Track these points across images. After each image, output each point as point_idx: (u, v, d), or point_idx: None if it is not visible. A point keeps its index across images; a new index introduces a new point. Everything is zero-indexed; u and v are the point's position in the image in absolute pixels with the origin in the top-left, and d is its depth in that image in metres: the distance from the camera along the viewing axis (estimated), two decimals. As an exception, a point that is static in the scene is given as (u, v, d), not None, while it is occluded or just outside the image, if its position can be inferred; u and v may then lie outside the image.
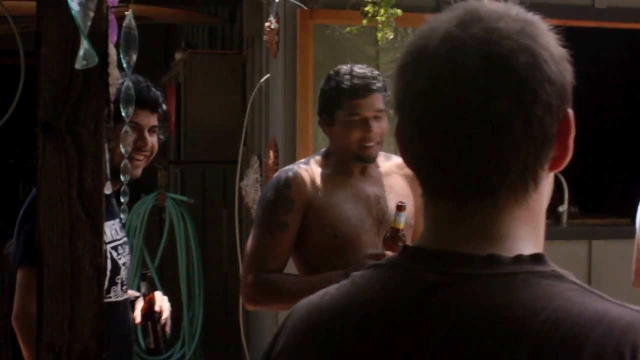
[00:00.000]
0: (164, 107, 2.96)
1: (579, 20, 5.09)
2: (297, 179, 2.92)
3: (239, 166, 5.55)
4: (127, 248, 2.93)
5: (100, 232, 1.78)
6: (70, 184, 1.76)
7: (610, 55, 6.73)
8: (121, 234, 2.89)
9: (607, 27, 5.40)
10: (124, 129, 1.92)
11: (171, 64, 7.65)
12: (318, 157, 3.04)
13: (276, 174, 3.04)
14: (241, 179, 5.65)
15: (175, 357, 5.98)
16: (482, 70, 0.97)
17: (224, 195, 6.30)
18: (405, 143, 1.05)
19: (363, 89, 2.88)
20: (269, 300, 2.98)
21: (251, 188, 5.63)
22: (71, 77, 1.74)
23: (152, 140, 2.89)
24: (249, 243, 2.96)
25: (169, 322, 2.91)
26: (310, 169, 2.97)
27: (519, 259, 0.99)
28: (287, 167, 3.04)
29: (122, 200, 2.21)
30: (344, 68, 2.94)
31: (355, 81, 2.88)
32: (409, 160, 1.06)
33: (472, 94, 0.97)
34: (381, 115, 2.91)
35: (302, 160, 3.11)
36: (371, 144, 2.90)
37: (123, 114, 1.83)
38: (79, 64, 1.62)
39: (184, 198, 6.09)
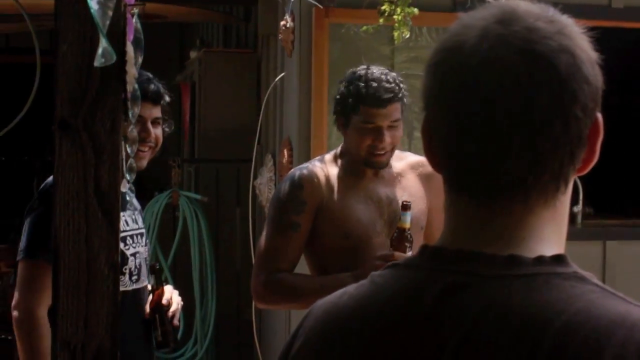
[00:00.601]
0: (167, 99, 2.99)
1: (595, 20, 5.07)
2: (310, 179, 2.91)
3: (253, 165, 5.55)
4: (141, 239, 2.96)
5: (116, 230, 1.79)
6: (86, 181, 1.77)
7: (627, 56, 6.70)
8: (133, 225, 2.91)
9: (625, 26, 5.38)
10: (130, 129, 1.93)
11: (186, 63, 7.66)
12: (333, 155, 3.02)
13: (290, 172, 3.03)
14: (255, 177, 5.65)
15: (188, 355, 5.99)
16: (525, 68, 0.97)
17: (237, 193, 6.30)
18: (438, 139, 1.04)
19: (381, 99, 2.84)
20: (278, 300, 3.00)
21: (265, 187, 5.63)
22: (89, 75, 1.74)
23: (156, 132, 2.94)
24: (261, 241, 2.97)
25: (178, 315, 2.91)
26: (324, 168, 2.96)
27: (541, 259, 0.98)
28: (301, 165, 3.03)
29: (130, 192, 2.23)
30: (364, 72, 2.88)
31: (374, 90, 2.83)
32: (437, 157, 1.05)
33: (514, 91, 0.97)
34: (397, 124, 2.88)
35: (317, 157, 3.09)
36: (382, 152, 2.88)
37: (130, 114, 1.83)
38: (97, 62, 1.63)
39: (198, 196, 6.10)
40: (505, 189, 1.00)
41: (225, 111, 6.50)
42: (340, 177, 2.95)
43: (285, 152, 5.14)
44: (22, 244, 2.77)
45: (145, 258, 2.98)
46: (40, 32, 2.28)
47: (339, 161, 2.99)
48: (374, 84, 2.83)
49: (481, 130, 0.99)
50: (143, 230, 3.01)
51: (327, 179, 2.93)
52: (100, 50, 1.61)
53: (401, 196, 2.96)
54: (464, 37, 1.01)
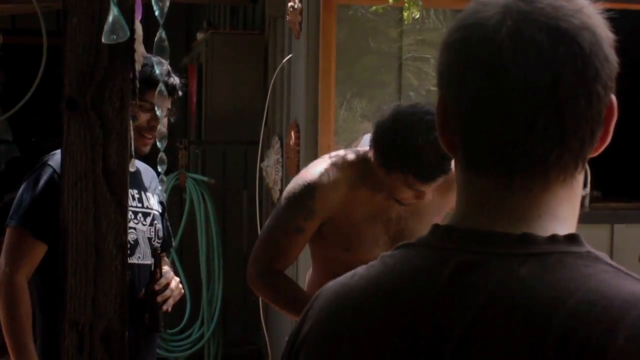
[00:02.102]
0: (180, 94, 3.07)
1: (609, 3, 5.04)
2: (324, 191, 2.81)
3: (260, 147, 5.54)
4: (145, 218, 3.00)
5: (124, 210, 1.79)
6: (94, 161, 1.76)
7: (636, 38, 6.67)
8: (136, 204, 2.95)
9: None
10: (158, 127, 1.93)
11: (193, 45, 7.63)
12: (357, 158, 2.86)
13: (306, 173, 2.89)
14: (262, 159, 5.64)
15: (194, 336, 6.00)
16: (550, 45, 0.96)
17: (244, 175, 6.29)
18: (456, 117, 1.02)
19: (429, 178, 2.64)
20: (264, 297, 3.02)
21: (272, 169, 5.62)
22: (97, 54, 1.74)
23: (164, 121, 2.96)
24: (263, 231, 2.93)
25: (171, 301, 2.93)
26: (341, 176, 2.83)
27: (554, 238, 0.97)
28: (319, 168, 2.86)
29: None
30: (415, 139, 2.58)
31: (426, 169, 2.60)
32: (453, 136, 1.03)
33: (539, 68, 0.96)
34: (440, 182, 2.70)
35: (339, 157, 2.89)
36: (409, 202, 2.77)
37: (157, 112, 1.84)
38: (106, 39, 1.62)
39: (205, 178, 6.09)
40: (526, 167, 0.99)
41: (232, 93, 6.48)
42: (354, 186, 2.84)
43: (293, 134, 5.13)
44: (11, 210, 2.86)
45: (150, 238, 3.00)
46: (47, 13, 2.27)
47: (361, 167, 2.83)
48: (424, 164, 2.59)
49: (505, 107, 0.98)
50: (151, 211, 3.03)
51: (342, 190, 2.82)
52: (107, 27, 1.60)
53: (411, 215, 2.86)
54: (486, 14, 0.99)
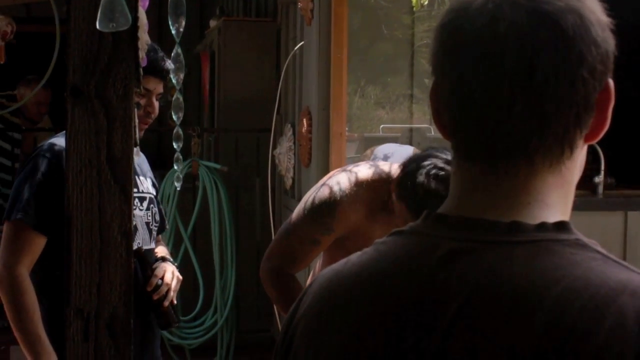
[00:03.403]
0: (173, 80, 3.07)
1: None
2: (345, 213, 2.78)
3: (272, 134, 5.54)
4: (141, 203, 2.99)
5: (129, 197, 1.78)
6: (99, 148, 1.76)
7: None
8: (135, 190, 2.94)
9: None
10: (175, 96, 1.93)
11: (206, 32, 7.64)
12: (380, 179, 2.80)
13: (331, 187, 2.82)
14: (274, 147, 5.64)
15: (208, 323, 6.02)
16: (530, 28, 0.96)
17: (257, 163, 6.29)
18: (442, 103, 1.02)
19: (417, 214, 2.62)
20: (269, 293, 3.01)
21: (284, 156, 5.62)
22: (101, 41, 1.73)
23: (155, 104, 3.02)
24: (281, 232, 2.90)
25: (170, 295, 2.94)
26: (363, 197, 2.79)
27: (543, 226, 0.97)
28: (343, 186, 2.81)
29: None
30: (417, 176, 2.53)
31: (414, 204, 2.54)
32: (443, 122, 1.04)
33: (518, 51, 0.95)
34: None
35: (364, 176, 2.82)
36: None
37: (174, 80, 1.84)
38: (103, 26, 1.61)
39: (217, 166, 6.10)
40: (509, 152, 0.98)
41: (244, 80, 6.48)
42: (376, 210, 2.80)
43: (305, 121, 5.12)
44: (8, 204, 2.84)
45: (148, 222, 3.01)
46: (60, 1, 2.27)
47: (385, 189, 2.77)
48: (419, 198, 2.52)
49: (485, 92, 0.97)
50: (146, 195, 3.04)
51: (362, 212, 2.79)
52: (103, 13, 1.59)
53: None
54: None
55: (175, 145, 2.39)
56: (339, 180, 2.85)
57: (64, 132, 2.89)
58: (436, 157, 2.54)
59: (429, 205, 2.55)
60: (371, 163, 2.98)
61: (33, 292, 2.75)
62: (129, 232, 1.79)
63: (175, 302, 3.00)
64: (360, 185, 2.81)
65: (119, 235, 1.78)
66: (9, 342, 5.44)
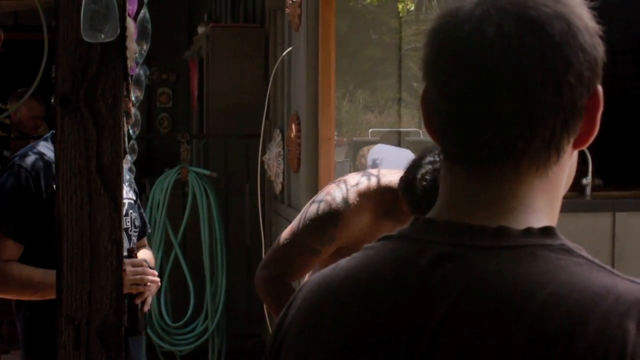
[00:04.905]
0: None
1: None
2: (347, 223, 2.78)
3: (261, 140, 5.55)
4: (128, 212, 2.97)
5: (118, 205, 1.80)
6: (88, 158, 1.77)
7: (637, 26, 6.66)
8: None
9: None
10: (133, 112, 1.94)
11: (194, 39, 7.65)
12: (385, 187, 2.81)
13: (334, 196, 2.83)
14: (264, 152, 5.65)
15: (199, 330, 6.02)
16: (517, 34, 0.96)
17: (246, 169, 6.30)
18: (432, 107, 1.03)
19: (414, 211, 2.54)
20: (263, 301, 3.01)
21: (273, 162, 5.63)
22: (89, 51, 1.74)
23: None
24: (280, 241, 2.88)
25: (149, 299, 2.88)
26: (367, 206, 2.79)
27: (529, 231, 0.97)
28: (348, 195, 2.81)
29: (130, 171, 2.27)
30: (417, 173, 2.54)
31: (415, 201, 2.54)
32: (434, 127, 1.04)
33: (505, 57, 0.96)
34: None
35: (369, 185, 2.82)
36: None
37: (133, 98, 1.85)
38: (90, 37, 1.62)
39: (207, 172, 6.11)
40: (495, 156, 0.99)
41: (233, 86, 6.49)
42: (380, 218, 2.80)
43: (294, 126, 5.14)
44: None
45: (126, 228, 2.97)
46: (48, 9, 2.27)
47: (389, 197, 2.78)
48: (418, 195, 2.53)
49: (472, 96, 0.98)
50: (125, 201, 3.01)
51: (365, 221, 2.79)
52: (87, 23, 1.60)
53: None
54: (462, 4, 1.00)
55: (129, 158, 2.32)
56: (342, 190, 2.85)
57: (41, 140, 2.91)
58: (433, 156, 2.56)
59: (429, 204, 2.58)
60: (365, 172, 2.99)
61: (20, 268, 2.75)
62: (119, 240, 1.80)
63: (150, 309, 2.98)
64: (365, 195, 2.81)
65: (109, 244, 1.79)
66: (0, 352, 5.43)
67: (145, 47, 1.85)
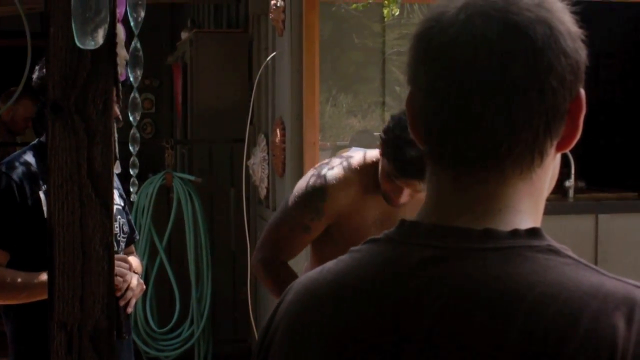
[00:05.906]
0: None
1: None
2: (335, 194, 2.86)
3: (245, 145, 5.56)
4: (116, 217, 2.95)
5: (110, 211, 1.80)
6: (79, 164, 1.78)
7: (619, 30, 6.72)
8: None
9: (617, 0, 5.39)
10: (132, 95, 1.94)
11: (177, 44, 7.65)
12: (371, 162, 2.90)
13: (324, 169, 2.92)
14: (248, 157, 5.66)
15: (184, 335, 6.02)
16: (500, 39, 0.98)
17: (231, 174, 6.30)
18: (417, 111, 1.05)
19: (405, 174, 2.69)
20: (264, 284, 3.07)
21: (258, 166, 5.64)
22: (80, 58, 1.75)
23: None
24: (271, 222, 2.97)
25: (132, 302, 2.84)
26: (354, 180, 2.88)
27: (516, 233, 0.99)
28: (334, 171, 2.91)
29: (131, 173, 2.27)
30: (406, 134, 2.55)
31: (407, 167, 2.66)
32: (418, 130, 1.05)
33: (488, 62, 0.98)
34: (419, 190, 2.75)
35: (355, 160, 2.93)
36: (394, 204, 2.82)
37: (131, 77, 1.85)
38: (83, 44, 1.63)
39: (192, 177, 6.11)
40: (480, 159, 1.00)
41: (217, 92, 6.49)
42: (367, 192, 2.89)
43: (278, 131, 5.15)
44: None
45: (115, 234, 2.94)
46: (31, 15, 2.28)
47: (372, 170, 2.88)
48: (408, 156, 2.64)
49: (456, 101, 0.99)
50: (119, 208, 3.02)
51: (353, 194, 2.88)
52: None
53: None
54: (446, 9, 1.02)
55: (131, 148, 2.30)
56: (331, 165, 2.95)
57: (28, 146, 2.91)
58: None
59: (404, 154, 2.64)
60: (351, 150, 3.06)
61: (3, 272, 2.75)
62: (111, 246, 1.81)
63: (131, 312, 2.96)
64: (350, 169, 2.90)
65: (100, 249, 1.80)
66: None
67: (139, 73, 1.86)
